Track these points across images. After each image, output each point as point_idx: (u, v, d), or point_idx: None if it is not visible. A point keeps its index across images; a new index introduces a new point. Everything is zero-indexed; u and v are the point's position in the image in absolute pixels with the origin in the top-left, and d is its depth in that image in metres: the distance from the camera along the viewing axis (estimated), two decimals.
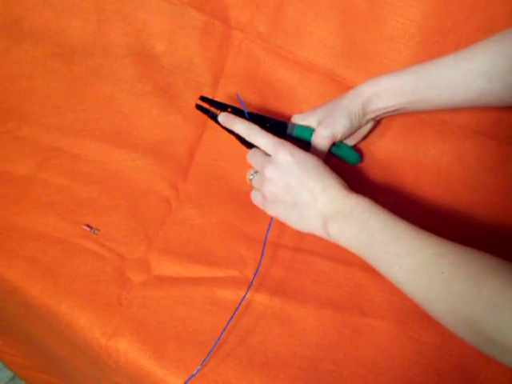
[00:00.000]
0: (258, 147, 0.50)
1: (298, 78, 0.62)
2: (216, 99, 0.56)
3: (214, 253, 0.54)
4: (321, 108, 0.56)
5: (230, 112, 0.55)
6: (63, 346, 0.59)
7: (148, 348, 0.47)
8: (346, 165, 0.59)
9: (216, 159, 0.62)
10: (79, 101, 0.65)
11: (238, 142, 0.53)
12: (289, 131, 0.56)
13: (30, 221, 0.55)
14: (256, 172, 0.51)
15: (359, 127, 0.55)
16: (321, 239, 0.47)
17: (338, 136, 0.53)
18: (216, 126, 0.54)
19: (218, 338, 0.46)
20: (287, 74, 0.62)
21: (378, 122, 0.58)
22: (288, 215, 0.48)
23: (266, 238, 0.50)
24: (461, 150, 0.58)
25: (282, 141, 0.49)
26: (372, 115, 0.54)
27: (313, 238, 0.48)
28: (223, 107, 0.55)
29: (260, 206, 0.52)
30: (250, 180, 0.52)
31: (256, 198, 0.52)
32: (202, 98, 0.56)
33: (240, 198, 0.58)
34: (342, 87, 0.59)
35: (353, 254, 0.45)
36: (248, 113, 0.55)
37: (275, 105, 0.63)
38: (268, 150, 0.49)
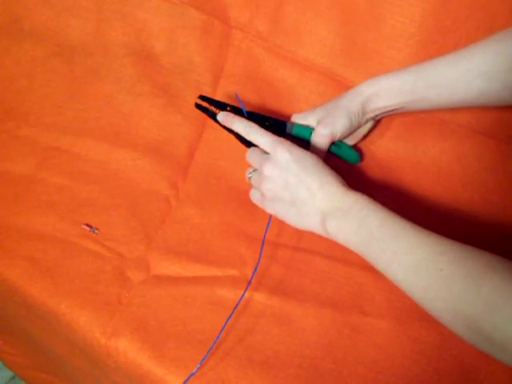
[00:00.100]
0: (257, 146, 0.51)
1: (298, 78, 0.62)
2: (215, 98, 0.56)
3: (214, 252, 0.54)
4: (320, 107, 0.56)
5: (229, 111, 0.55)
6: (63, 346, 0.59)
7: (147, 347, 0.47)
8: (345, 164, 0.59)
9: (216, 158, 0.62)
10: (79, 100, 0.65)
11: (237, 142, 0.53)
12: (288, 130, 0.56)
13: (30, 220, 0.55)
14: (255, 170, 0.51)
15: (359, 126, 0.55)
16: (320, 238, 0.47)
17: (337, 135, 0.53)
18: (216, 125, 0.54)
19: (218, 336, 0.46)
20: (287, 73, 0.62)
21: (377, 121, 0.58)
22: (287, 213, 0.48)
23: (264, 236, 0.51)
24: (460, 149, 0.58)
25: (281, 139, 0.49)
26: (372, 115, 0.54)
27: (312, 237, 0.48)
28: (223, 106, 0.55)
29: (259, 204, 0.52)
30: (249, 178, 0.52)
31: (255, 196, 0.52)
32: (202, 97, 0.56)
33: (240, 198, 0.58)
34: (342, 86, 0.59)
35: (352, 254, 0.45)
36: (247, 112, 0.55)
37: (275, 104, 0.63)
38: (266, 148, 0.49)
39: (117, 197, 0.58)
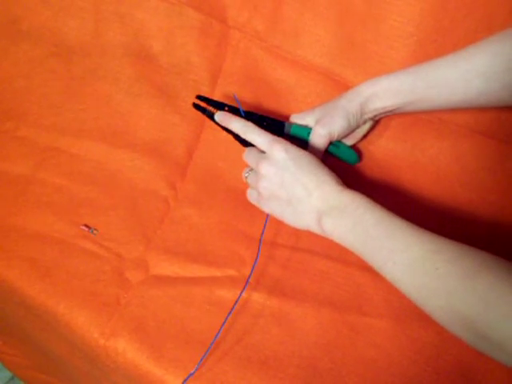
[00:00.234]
0: (254, 146, 0.51)
1: (296, 78, 0.62)
2: (213, 98, 0.56)
3: (213, 252, 0.54)
4: (319, 108, 0.56)
5: (227, 111, 0.55)
6: (62, 346, 0.59)
7: (146, 347, 0.47)
8: (344, 164, 0.59)
9: (214, 159, 0.62)
10: (77, 101, 0.65)
11: (235, 142, 0.53)
12: (286, 130, 0.56)
13: (29, 221, 0.55)
14: (251, 170, 0.51)
15: (357, 127, 0.55)
16: (318, 238, 0.47)
17: (335, 135, 0.53)
18: (214, 125, 0.54)
19: (216, 336, 0.46)
20: (285, 73, 0.62)
21: (376, 121, 0.58)
22: (283, 211, 0.48)
23: (262, 235, 0.51)
24: (459, 148, 0.58)
25: (278, 138, 0.49)
26: (370, 115, 0.54)
27: (310, 237, 0.48)
28: (220, 106, 0.55)
29: (255, 203, 0.52)
30: (246, 178, 0.52)
31: (252, 195, 0.52)
32: (199, 97, 0.56)
33: (238, 198, 0.58)
34: (340, 86, 0.59)
35: (351, 253, 0.45)
36: (245, 111, 0.55)
37: (273, 104, 0.63)
38: (263, 147, 0.49)
39: (115, 197, 0.58)
